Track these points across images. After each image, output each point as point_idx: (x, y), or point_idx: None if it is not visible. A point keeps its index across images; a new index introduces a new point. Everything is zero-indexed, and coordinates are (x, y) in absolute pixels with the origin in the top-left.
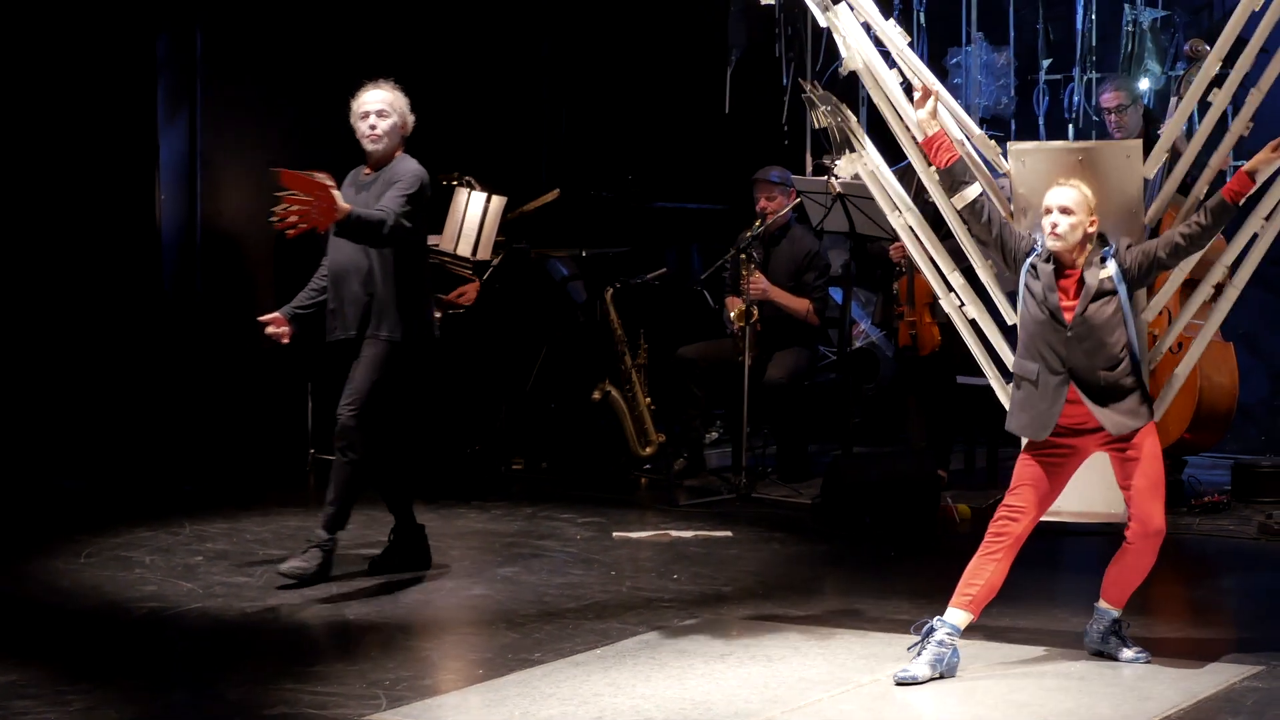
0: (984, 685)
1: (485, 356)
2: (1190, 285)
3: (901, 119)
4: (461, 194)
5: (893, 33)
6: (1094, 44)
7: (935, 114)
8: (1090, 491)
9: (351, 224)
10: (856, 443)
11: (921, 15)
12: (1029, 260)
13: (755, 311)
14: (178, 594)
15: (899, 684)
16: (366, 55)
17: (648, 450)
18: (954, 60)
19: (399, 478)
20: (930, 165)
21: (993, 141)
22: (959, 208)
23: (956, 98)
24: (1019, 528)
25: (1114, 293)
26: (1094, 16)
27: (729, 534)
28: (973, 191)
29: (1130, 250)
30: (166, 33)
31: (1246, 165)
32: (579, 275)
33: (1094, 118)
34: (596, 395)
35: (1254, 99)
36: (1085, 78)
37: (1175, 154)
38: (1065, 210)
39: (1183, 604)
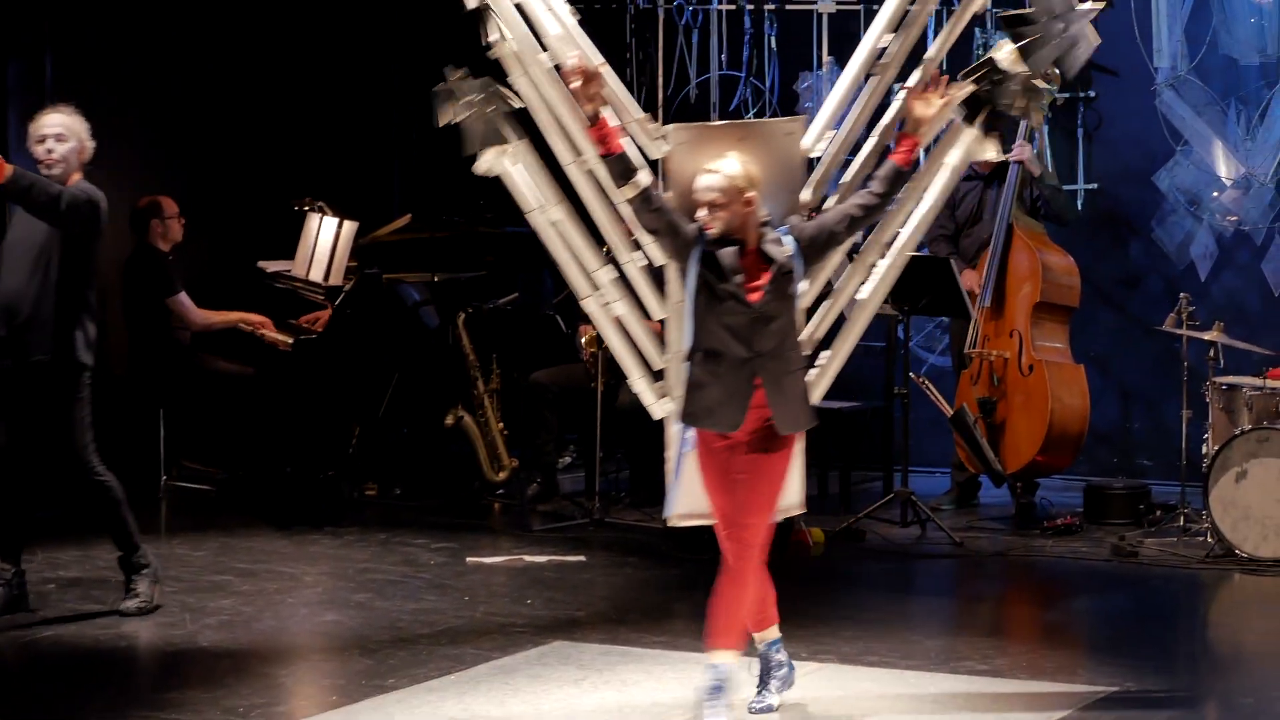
0: (837, 708)
1: (338, 382)
2: (1044, 308)
3: (550, 109)
4: (313, 219)
5: (562, 10)
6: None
7: (598, 96)
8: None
9: (20, 186)
10: None
11: (773, 39)
12: (699, 245)
13: None
14: (29, 621)
15: (754, 713)
16: (217, 81)
17: (501, 475)
18: (805, 84)
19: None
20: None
21: (653, 125)
22: (629, 196)
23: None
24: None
25: (793, 272)
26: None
27: (583, 559)
28: (644, 178)
29: (806, 225)
30: (17, 59)
31: (907, 125)
32: (431, 300)
33: None
34: (449, 420)
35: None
36: None
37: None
38: (712, 203)
39: (1036, 626)
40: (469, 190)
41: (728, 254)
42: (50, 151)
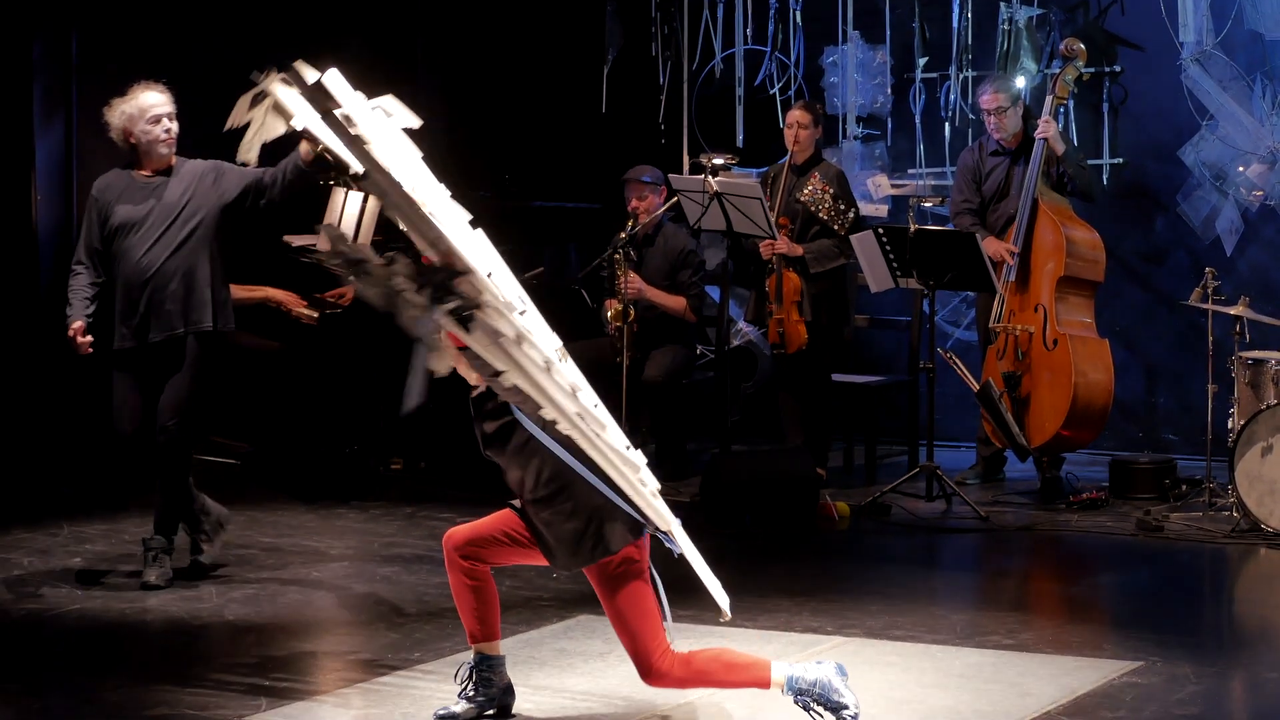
0: (863, 682)
1: (363, 356)
2: (1069, 283)
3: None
4: (339, 194)
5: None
6: (970, 43)
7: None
8: None
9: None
10: (735, 441)
11: (798, 14)
12: None
13: (632, 311)
14: (56, 596)
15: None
16: (241, 57)
17: None
18: (830, 59)
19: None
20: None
21: None
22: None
23: (832, 97)
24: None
25: None
26: (970, 15)
27: None
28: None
29: None
30: (42, 36)
31: None
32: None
33: (971, 116)
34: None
35: None
36: (961, 76)
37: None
38: None
39: (1061, 600)
40: (494, 164)
41: None
42: (169, 131)
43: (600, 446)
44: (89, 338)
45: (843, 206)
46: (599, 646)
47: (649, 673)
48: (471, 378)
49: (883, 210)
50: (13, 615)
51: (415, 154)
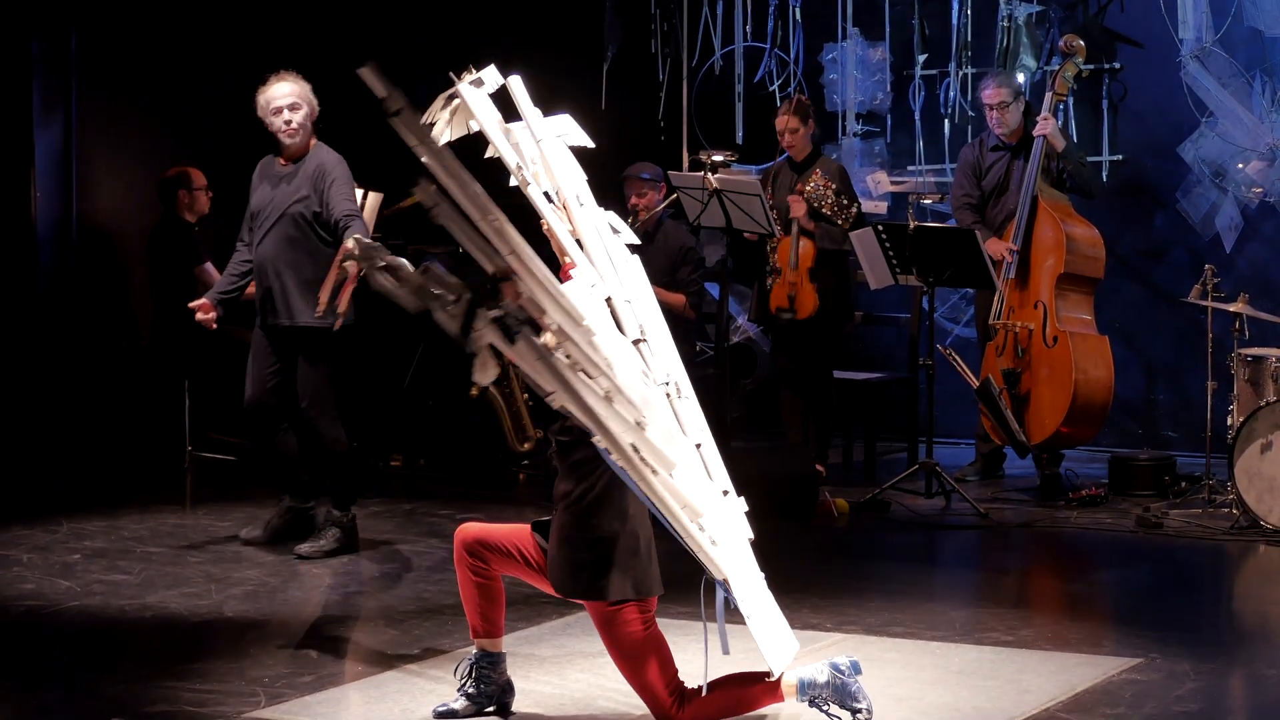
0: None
1: (363, 353)
2: (1068, 280)
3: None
4: None
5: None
6: (969, 39)
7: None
8: None
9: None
10: (734, 438)
11: (797, 11)
12: None
13: None
14: (55, 592)
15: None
16: (240, 54)
17: (526, 446)
18: (829, 56)
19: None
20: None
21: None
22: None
23: (831, 94)
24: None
25: None
26: (969, 11)
27: None
28: None
29: None
30: (41, 33)
31: None
32: (456, 271)
33: (970, 113)
34: (474, 392)
35: None
36: (961, 73)
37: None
38: None
39: (1061, 597)
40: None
41: None
42: (289, 123)
43: (654, 485)
44: (212, 315)
45: (845, 201)
46: (598, 644)
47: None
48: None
49: (882, 207)
50: (12, 612)
51: (579, 175)
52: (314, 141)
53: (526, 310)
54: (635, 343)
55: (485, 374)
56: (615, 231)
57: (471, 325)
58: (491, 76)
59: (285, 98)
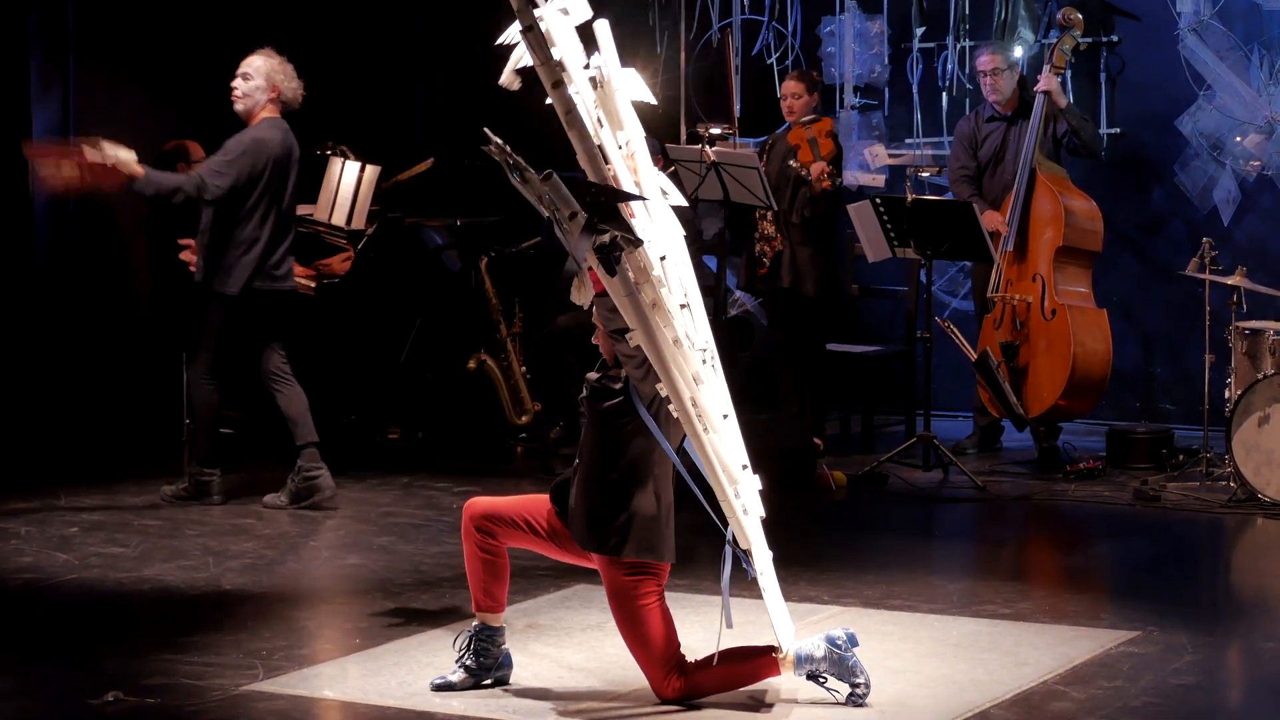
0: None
1: (360, 326)
2: (1066, 253)
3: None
4: (336, 164)
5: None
6: (967, 12)
7: None
8: None
9: (145, 185)
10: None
11: None
12: None
13: None
14: (53, 565)
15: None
16: (239, 28)
17: (524, 419)
18: (827, 29)
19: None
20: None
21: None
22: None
23: (829, 67)
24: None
25: None
26: None
27: None
28: None
29: None
30: (39, 7)
31: None
32: (453, 245)
33: (968, 85)
34: (472, 365)
35: None
36: (959, 46)
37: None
38: None
39: (1058, 570)
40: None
41: None
42: (234, 89)
43: (704, 441)
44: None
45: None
46: (595, 617)
47: (657, 693)
48: (604, 346)
49: (880, 180)
50: (10, 585)
51: (640, 131)
52: (261, 116)
53: (628, 231)
54: (681, 307)
55: (583, 295)
56: (664, 194)
57: (588, 243)
58: (578, 6)
59: (243, 66)
